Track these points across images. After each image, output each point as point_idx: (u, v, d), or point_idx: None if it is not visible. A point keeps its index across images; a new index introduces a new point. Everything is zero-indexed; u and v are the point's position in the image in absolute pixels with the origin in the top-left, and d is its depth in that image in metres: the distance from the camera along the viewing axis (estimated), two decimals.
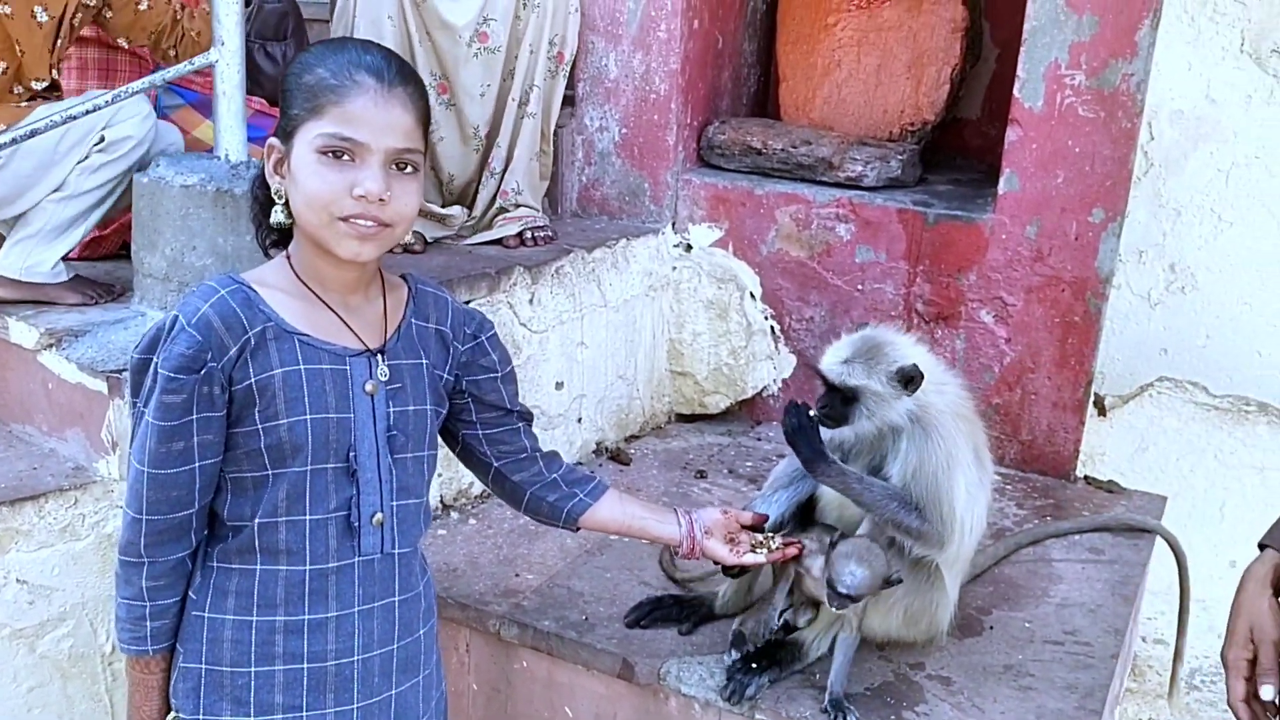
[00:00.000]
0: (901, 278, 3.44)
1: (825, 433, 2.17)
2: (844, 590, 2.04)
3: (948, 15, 3.77)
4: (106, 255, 3.03)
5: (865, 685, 2.27)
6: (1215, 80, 3.44)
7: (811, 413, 2.15)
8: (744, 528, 2.14)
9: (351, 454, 1.62)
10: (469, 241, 3.34)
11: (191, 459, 1.56)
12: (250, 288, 1.60)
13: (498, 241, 3.33)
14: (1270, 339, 3.50)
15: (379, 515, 1.66)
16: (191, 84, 3.17)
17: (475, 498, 3.02)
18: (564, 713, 2.47)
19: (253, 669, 1.64)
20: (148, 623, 1.63)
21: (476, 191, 3.44)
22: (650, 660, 2.33)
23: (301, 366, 1.59)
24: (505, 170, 3.39)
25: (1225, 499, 3.60)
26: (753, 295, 3.63)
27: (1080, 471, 3.41)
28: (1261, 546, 1.74)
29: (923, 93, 3.83)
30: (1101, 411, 3.70)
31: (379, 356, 1.66)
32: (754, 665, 2.23)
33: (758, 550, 2.10)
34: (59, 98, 2.77)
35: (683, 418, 3.81)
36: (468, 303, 2.84)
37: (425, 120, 1.62)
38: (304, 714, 1.66)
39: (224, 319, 1.55)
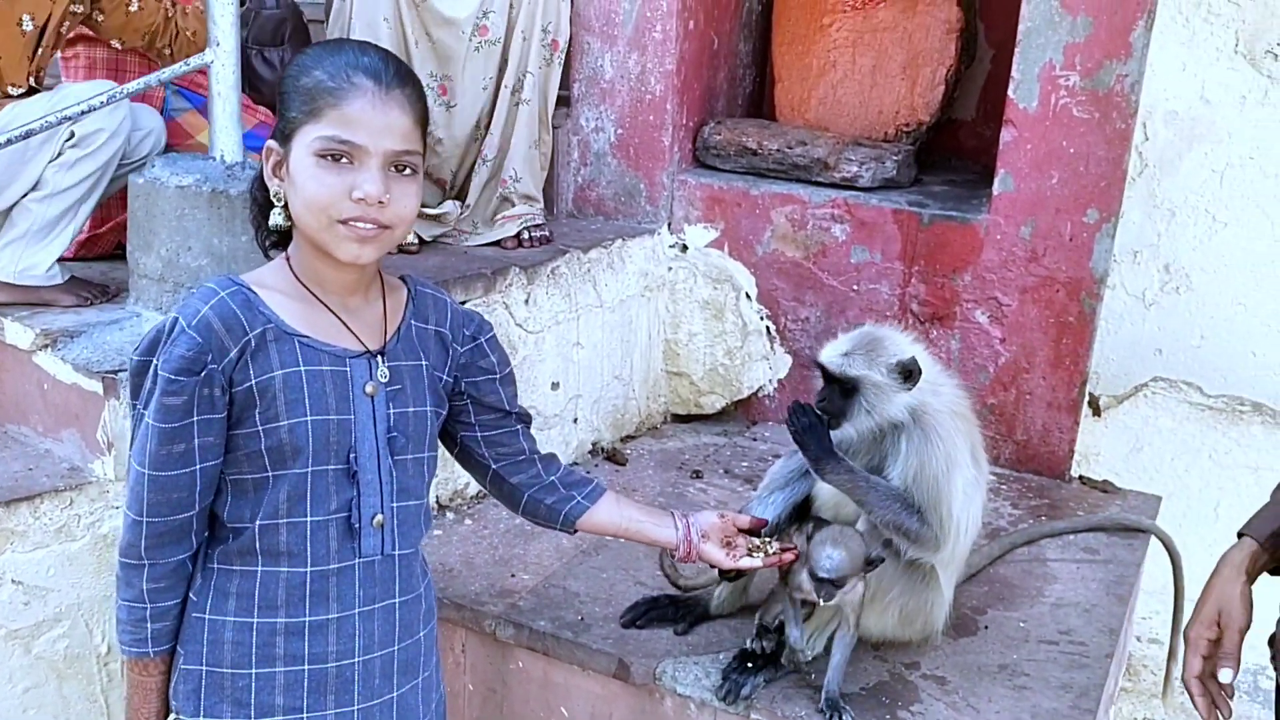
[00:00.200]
0: (897, 278, 3.44)
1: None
2: (824, 575, 2.04)
3: (943, 16, 3.77)
4: (102, 255, 3.03)
5: (860, 685, 2.27)
6: (1210, 81, 3.45)
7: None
8: (741, 531, 2.15)
9: (352, 455, 1.62)
10: (469, 243, 3.33)
11: (192, 461, 1.56)
12: (250, 289, 1.60)
13: (496, 243, 3.33)
14: (1265, 339, 3.51)
15: (379, 517, 1.66)
16: (199, 87, 3.15)
17: (471, 498, 3.02)
18: (560, 713, 2.47)
19: (253, 670, 1.64)
20: (148, 625, 1.63)
21: (468, 181, 3.43)
22: (646, 660, 2.33)
23: (302, 368, 1.59)
24: (501, 158, 3.37)
25: (1220, 499, 3.61)
26: (748, 295, 3.63)
27: (1075, 471, 3.42)
28: (1241, 535, 1.76)
29: (918, 93, 3.83)
30: (1096, 411, 3.71)
31: (379, 358, 1.66)
32: (749, 665, 2.23)
33: (754, 554, 2.10)
34: None
35: (678, 418, 3.81)
36: (464, 303, 2.84)
37: (423, 121, 1.61)
38: (304, 715, 1.65)
39: (224, 321, 1.55)
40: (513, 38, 3.30)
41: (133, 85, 2.55)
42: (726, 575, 2.21)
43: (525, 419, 1.95)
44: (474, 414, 1.86)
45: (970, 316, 3.36)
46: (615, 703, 2.39)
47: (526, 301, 3.10)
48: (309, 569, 1.63)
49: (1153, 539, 3.06)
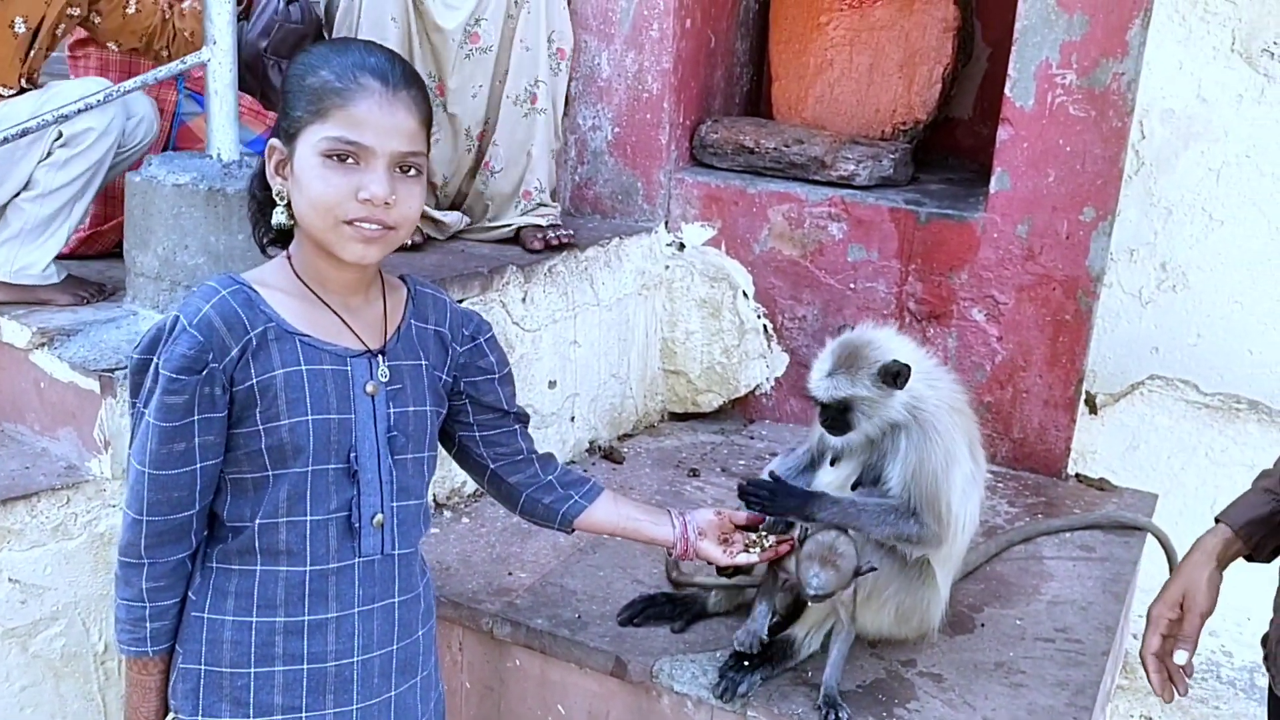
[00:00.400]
0: (894, 276, 3.44)
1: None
2: (813, 592, 2.07)
3: (939, 14, 3.78)
4: (102, 253, 3.02)
5: (857, 682, 2.27)
6: (1206, 79, 3.45)
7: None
8: (738, 528, 2.15)
9: (352, 455, 1.62)
10: (481, 237, 3.34)
11: (193, 460, 1.56)
12: (251, 288, 1.60)
13: (515, 240, 3.33)
14: (1261, 337, 3.51)
15: (379, 516, 1.66)
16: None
17: (468, 496, 3.02)
18: (557, 711, 2.47)
19: (252, 670, 1.63)
20: (147, 624, 1.63)
21: (468, 192, 3.43)
22: (643, 658, 2.33)
23: (303, 367, 1.58)
24: (520, 171, 3.36)
25: (1216, 496, 3.61)
26: (745, 294, 3.63)
27: (1071, 469, 3.42)
28: (1218, 521, 1.78)
29: (915, 92, 3.84)
30: (1093, 409, 3.72)
31: (379, 357, 1.66)
32: (746, 663, 2.23)
33: (751, 550, 2.11)
34: None
35: (675, 416, 3.81)
36: (461, 302, 2.84)
37: (428, 122, 1.62)
38: (303, 715, 1.65)
39: (225, 319, 1.55)
40: (513, 49, 3.29)
41: (128, 84, 2.54)
42: (724, 572, 2.21)
43: (523, 419, 1.95)
44: (472, 414, 1.87)
45: (967, 315, 3.37)
46: (612, 701, 2.39)
47: (524, 300, 3.11)
48: (308, 568, 1.63)
49: (1149, 537, 3.07)
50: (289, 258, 1.66)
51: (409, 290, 1.76)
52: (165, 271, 2.52)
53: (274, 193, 1.62)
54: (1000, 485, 3.29)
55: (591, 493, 2.02)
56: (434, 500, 2.94)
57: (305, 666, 1.65)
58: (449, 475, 2.94)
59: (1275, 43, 3.37)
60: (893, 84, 3.85)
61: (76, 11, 2.74)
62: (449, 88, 3.28)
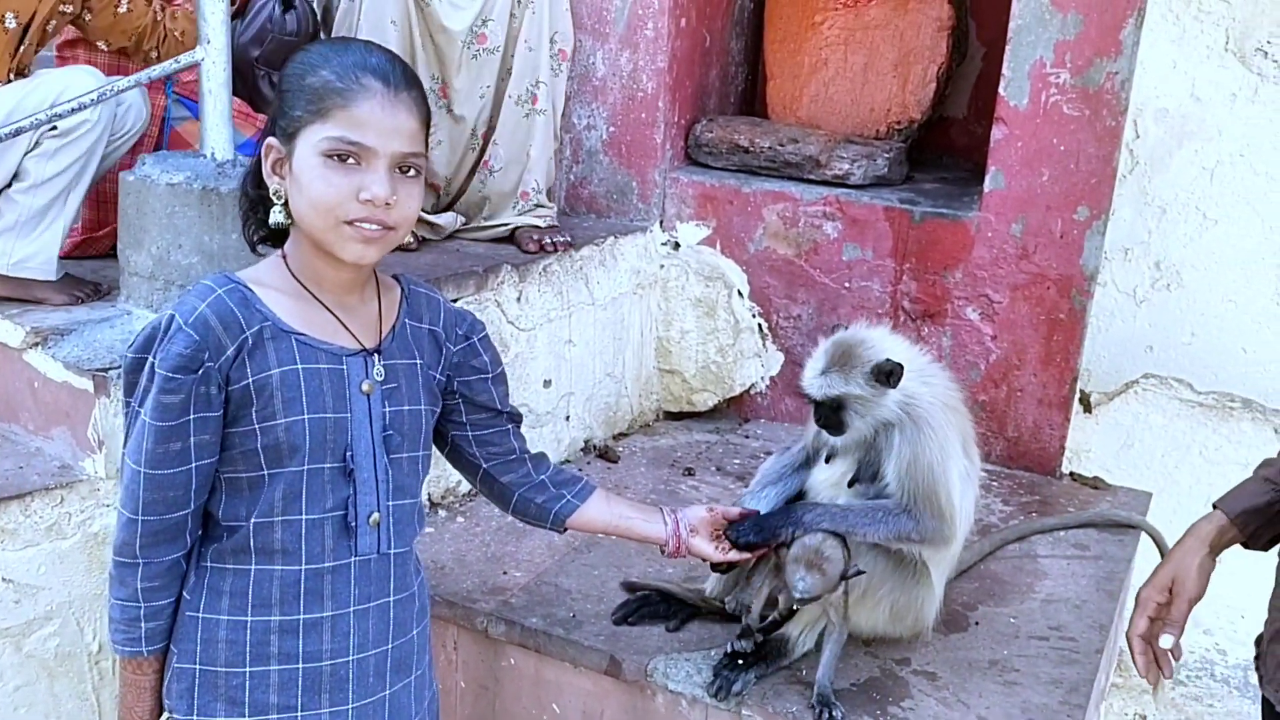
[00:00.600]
0: (888, 275, 3.45)
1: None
2: (799, 595, 2.08)
3: (934, 14, 3.78)
4: (96, 256, 3.02)
5: (851, 681, 2.28)
6: (1200, 79, 3.46)
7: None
8: (730, 523, 2.16)
9: (348, 454, 1.62)
10: (478, 236, 3.34)
11: (188, 459, 1.56)
12: (247, 287, 1.59)
13: (510, 239, 3.33)
14: (1255, 336, 3.52)
15: (375, 515, 1.66)
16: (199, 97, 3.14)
17: (463, 496, 3.02)
18: (552, 710, 2.47)
19: (247, 669, 1.63)
20: (142, 624, 1.63)
21: (465, 191, 3.42)
22: (638, 657, 2.33)
23: (299, 366, 1.58)
24: (519, 171, 3.35)
25: (1210, 495, 3.55)
26: (740, 293, 3.64)
27: (1066, 468, 3.43)
28: (1215, 507, 1.79)
29: (909, 91, 3.84)
30: (1087, 408, 3.72)
31: (375, 356, 1.66)
32: (740, 661, 2.23)
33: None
34: None
35: (671, 415, 3.81)
36: (455, 301, 2.84)
37: (427, 123, 1.62)
38: (299, 714, 1.65)
39: (221, 318, 1.54)
40: (517, 48, 3.28)
41: (123, 83, 2.54)
42: (717, 568, 2.22)
43: (516, 418, 1.95)
44: (465, 413, 1.87)
45: (961, 314, 3.37)
46: (607, 699, 2.39)
47: (518, 299, 3.11)
48: (303, 567, 1.63)
49: (1143, 535, 3.07)
50: (284, 257, 1.66)
51: (403, 289, 1.77)
52: (159, 271, 2.52)
53: (271, 192, 1.61)
54: (995, 484, 3.30)
55: (584, 492, 2.02)
56: (429, 500, 2.94)
57: (300, 666, 1.65)
58: (444, 475, 2.94)
59: (1269, 42, 3.38)
60: (887, 83, 3.85)
61: (69, 9, 2.73)
62: (454, 89, 3.28)
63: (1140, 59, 3.09)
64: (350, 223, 1.54)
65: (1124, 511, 3.15)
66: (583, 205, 3.78)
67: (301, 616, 1.64)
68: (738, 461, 3.43)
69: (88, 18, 2.82)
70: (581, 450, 3.45)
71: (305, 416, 1.58)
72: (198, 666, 1.63)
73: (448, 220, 3.33)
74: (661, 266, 3.69)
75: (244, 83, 3.18)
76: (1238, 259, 3.50)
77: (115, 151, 2.75)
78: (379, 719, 1.72)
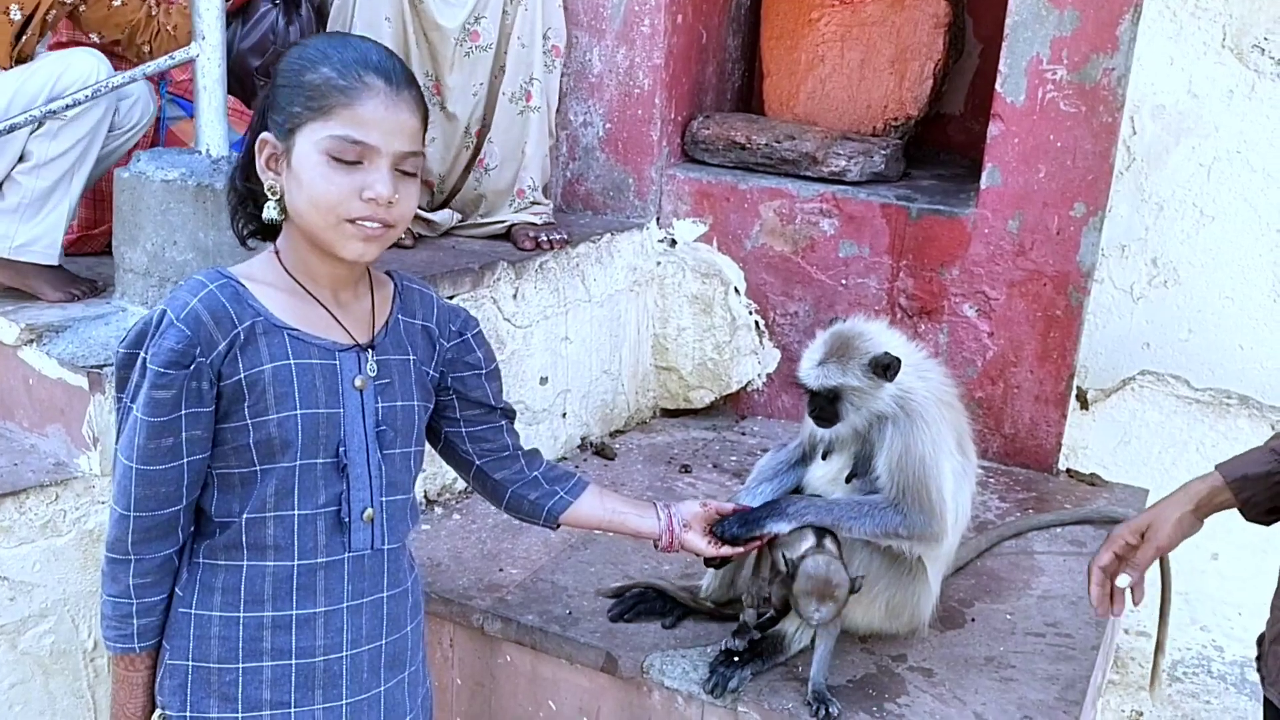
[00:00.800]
0: (885, 272, 3.45)
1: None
2: (817, 623, 2.12)
3: (930, 10, 3.78)
4: (92, 253, 3.01)
5: (848, 677, 2.28)
6: (1197, 75, 3.46)
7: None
8: (723, 518, 2.16)
9: (341, 449, 1.62)
10: (482, 228, 3.34)
11: (180, 455, 1.55)
12: (239, 282, 1.59)
13: (505, 236, 3.32)
14: (1251, 332, 3.52)
15: (369, 511, 1.66)
16: (193, 95, 3.14)
17: (459, 493, 3.01)
18: (548, 706, 2.47)
19: (240, 665, 1.63)
20: (134, 620, 1.62)
21: (461, 188, 3.42)
22: (634, 654, 2.33)
23: (291, 361, 1.58)
24: (515, 168, 3.35)
25: None
26: (737, 290, 3.63)
27: (1062, 464, 3.43)
28: (1217, 468, 1.80)
29: (906, 88, 3.84)
30: (1084, 405, 3.72)
31: (368, 352, 1.66)
32: (736, 658, 2.23)
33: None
34: None
35: (667, 412, 3.81)
36: (451, 298, 2.84)
37: (426, 121, 1.62)
38: (292, 710, 1.65)
39: (213, 314, 1.54)
40: (510, 45, 3.28)
41: (119, 79, 2.53)
42: (711, 563, 2.23)
43: (510, 415, 1.94)
44: (459, 409, 1.86)
45: (958, 310, 3.37)
46: (603, 696, 2.39)
47: (515, 296, 3.10)
48: (296, 562, 1.62)
49: None
50: (276, 252, 1.65)
51: (396, 285, 1.76)
52: (154, 267, 2.52)
53: (265, 187, 1.60)
54: (991, 480, 3.30)
55: (577, 488, 2.02)
56: (425, 497, 2.93)
57: (294, 662, 1.64)
58: (439, 472, 2.94)
59: (1266, 38, 3.38)
60: (884, 80, 3.85)
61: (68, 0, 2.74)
62: (447, 86, 3.27)
63: (1137, 55, 3.09)
64: (352, 221, 1.53)
65: (1121, 508, 3.15)
66: (579, 202, 3.77)
67: (294, 612, 1.63)
68: (734, 458, 3.42)
69: (82, 9, 2.82)
70: (578, 447, 3.45)
71: (298, 412, 1.57)
72: (190, 663, 1.63)
73: (444, 217, 3.33)
74: (658, 263, 3.68)
75: (243, 90, 3.18)
76: (1235, 256, 3.50)
77: (121, 145, 2.74)
78: (373, 715, 1.71)
